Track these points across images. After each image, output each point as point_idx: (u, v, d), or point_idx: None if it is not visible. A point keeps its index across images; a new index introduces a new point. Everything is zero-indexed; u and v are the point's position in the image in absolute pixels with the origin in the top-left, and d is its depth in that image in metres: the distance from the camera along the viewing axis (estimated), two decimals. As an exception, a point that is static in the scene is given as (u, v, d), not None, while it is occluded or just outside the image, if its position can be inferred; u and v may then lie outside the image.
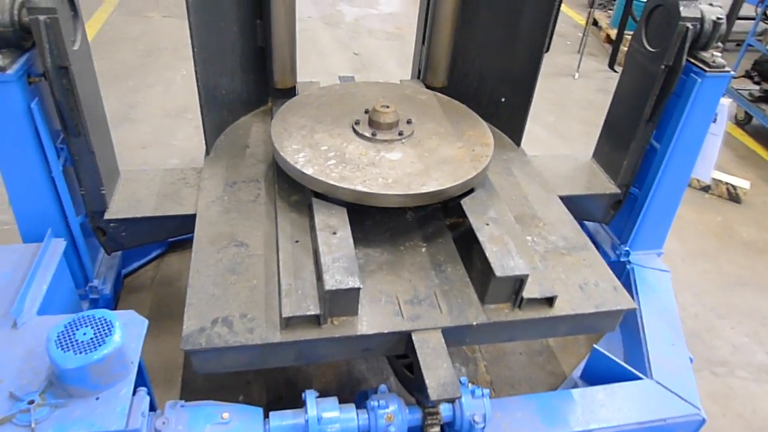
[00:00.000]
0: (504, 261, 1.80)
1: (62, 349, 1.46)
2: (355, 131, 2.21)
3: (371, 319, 1.78)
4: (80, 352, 1.46)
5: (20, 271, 1.83)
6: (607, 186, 2.58)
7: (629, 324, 2.49)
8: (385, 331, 1.75)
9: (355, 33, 5.87)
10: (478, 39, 2.75)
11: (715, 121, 2.45)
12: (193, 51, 2.14)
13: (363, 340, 1.77)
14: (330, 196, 1.98)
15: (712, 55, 2.21)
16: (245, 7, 2.47)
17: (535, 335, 1.99)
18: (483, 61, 2.78)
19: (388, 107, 2.22)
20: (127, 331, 1.61)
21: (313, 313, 1.70)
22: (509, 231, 2.05)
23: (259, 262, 1.93)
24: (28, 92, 1.78)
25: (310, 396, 1.73)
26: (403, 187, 1.96)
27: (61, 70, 1.77)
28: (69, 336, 1.50)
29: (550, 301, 1.86)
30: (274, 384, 2.35)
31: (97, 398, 1.51)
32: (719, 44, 2.26)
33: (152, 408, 1.73)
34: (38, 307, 1.75)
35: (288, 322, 1.71)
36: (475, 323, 1.80)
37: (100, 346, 1.48)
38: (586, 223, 2.98)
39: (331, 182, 1.94)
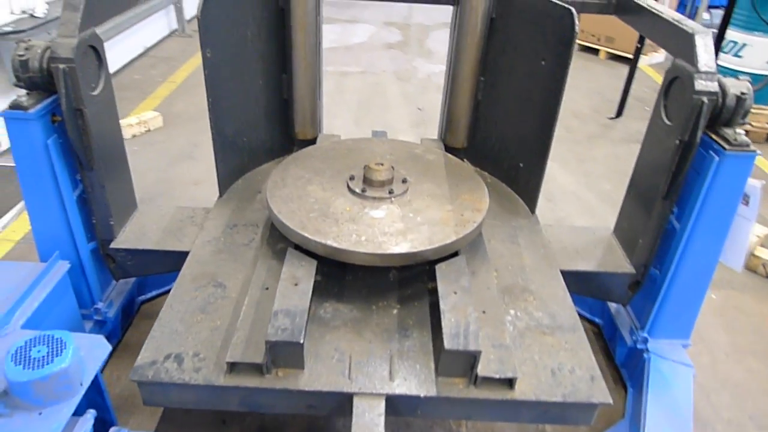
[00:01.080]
0: (457, 333, 1.72)
1: (15, 362, 1.59)
2: (348, 186, 2.24)
3: (316, 376, 1.76)
4: (28, 368, 1.58)
5: (21, 287, 2.02)
6: (622, 264, 2.40)
7: (636, 421, 2.25)
8: (326, 390, 1.72)
9: (424, 88, 6.00)
10: (499, 102, 2.72)
11: (747, 204, 2.22)
12: (208, 101, 2.31)
13: (304, 396, 1.75)
14: (303, 248, 2.02)
15: (735, 132, 2.02)
16: (270, 62, 2.64)
17: (496, 417, 1.85)
18: (504, 124, 2.74)
19: (382, 164, 2.24)
20: (85, 354, 1.73)
21: (255, 361, 1.72)
22: (483, 302, 1.97)
23: (230, 305, 1.99)
24: (47, 130, 2.01)
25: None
26: (374, 246, 1.95)
27: (77, 111, 1.98)
28: (25, 351, 1.62)
29: (510, 383, 1.74)
30: (249, 427, 2.36)
31: (40, 413, 1.61)
32: (744, 121, 2.06)
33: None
34: (24, 322, 1.92)
35: (232, 368, 1.74)
36: (422, 395, 1.72)
37: (47, 364, 1.59)
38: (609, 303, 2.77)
39: (305, 234, 1.98)
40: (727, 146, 2.00)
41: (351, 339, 1.90)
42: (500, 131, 2.78)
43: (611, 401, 1.74)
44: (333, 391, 1.72)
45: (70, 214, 2.16)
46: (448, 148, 2.91)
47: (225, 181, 2.58)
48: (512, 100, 2.64)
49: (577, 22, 2.17)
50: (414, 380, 1.76)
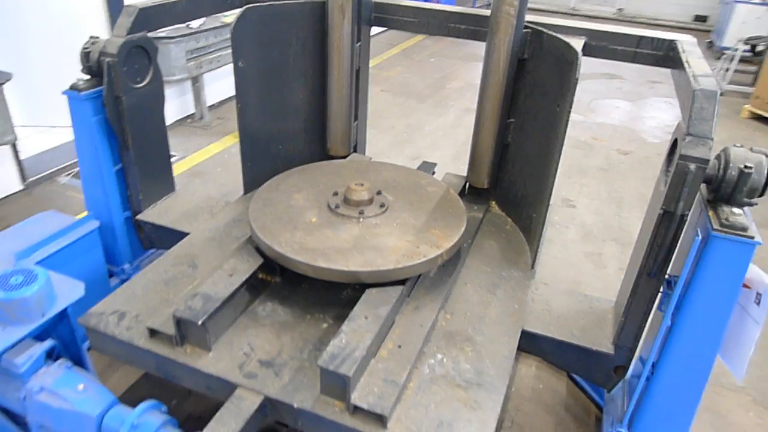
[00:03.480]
0: (337, 355, 1.71)
1: None
2: (327, 201, 2.33)
3: (216, 360, 1.88)
4: (1, 290, 1.96)
5: (51, 232, 2.48)
6: (602, 343, 2.11)
7: None
8: (216, 375, 1.83)
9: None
10: (525, 146, 2.59)
11: (758, 303, 1.82)
12: (237, 107, 2.60)
13: (202, 376, 1.88)
14: (256, 246, 2.16)
15: (731, 211, 1.70)
16: (314, 80, 2.86)
17: None
18: (526, 170, 2.59)
19: (362, 185, 2.29)
20: (59, 292, 2.07)
21: (168, 332, 1.90)
22: (404, 337, 1.92)
23: (191, 283, 2.21)
24: (96, 110, 2.44)
25: (150, 406, 1.91)
26: (311, 257, 2.02)
27: (117, 99, 2.40)
28: (7, 278, 2.01)
29: (382, 420, 1.67)
30: (203, 407, 2.55)
31: (4, 329, 1.98)
32: (751, 201, 1.72)
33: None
34: (43, 259, 2.35)
35: (152, 334, 1.94)
36: (296, 405, 1.74)
37: (14, 290, 1.95)
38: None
39: (258, 233, 2.12)
40: (714, 225, 1.69)
41: (268, 339, 1.98)
42: (523, 178, 2.63)
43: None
44: (222, 378, 1.83)
45: (108, 183, 2.59)
46: (472, 187, 2.83)
47: (251, 181, 2.84)
48: (534, 146, 2.50)
49: (579, 62, 2.02)
50: (298, 391, 1.78)
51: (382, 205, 2.31)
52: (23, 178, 4.35)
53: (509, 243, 2.61)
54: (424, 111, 6.08)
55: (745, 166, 1.68)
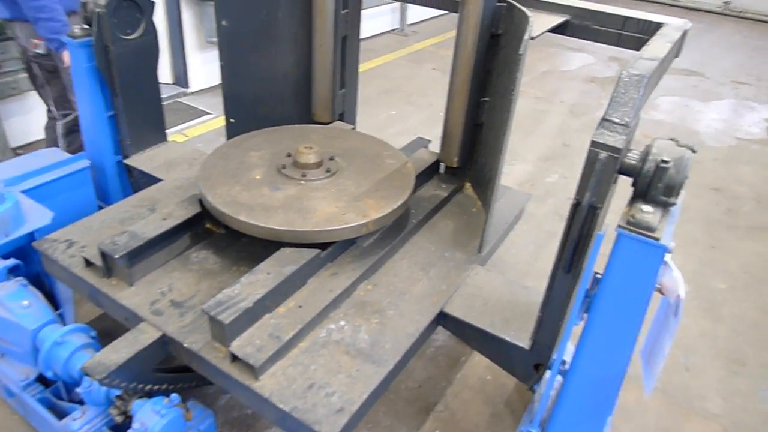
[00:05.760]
0: (222, 302, 1.78)
1: None
2: (278, 162, 2.37)
3: (134, 294, 2.01)
4: None
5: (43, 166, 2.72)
6: (520, 336, 2.01)
7: None
8: (128, 307, 1.96)
9: (589, 127, 5.43)
10: (494, 127, 2.48)
11: (675, 314, 1.67)
12: (221, 65, 2.69)
13: (118, 308, 2.01)
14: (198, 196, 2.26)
15: (640, 209, 1.55)
16: (304, 44, 2.89)
17: (246, 401, 1.80)
18: (494, 152, 2.49)
19: (310, 149, 2.32)
20: (28, 217, 2.29)
21: (97, 263, 2.05)
22: (308, 299, 1.96)
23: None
24: (89, 57, 2.63)
25: (77, 328, 2.08)
26: (234, 209, 2.08)
27: (105, 47, 2.57)
28: None
29: (254, 372, 1.72)
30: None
31: None
32: (670, 199, 1.56)
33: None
34: (30, 188, 2.59)
35: (87, 263, 2.11)
36: (186, 345, 1.83)
37: None
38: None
39: (200, 183, 2.21)
40: (621, 222, 1.56)
41: (188, 283, 2.09)
42: (492, 160, 2.53)
43: (336, 435, 1.59)
44: (132, 311, 1.95)
45: (99, 127, 2.79)
46: (448, 167, 2.76)
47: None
48: (501, 127, 2.39)
49: (527, 35, 1.91)
50: (193, 333, 1.87)
51: (328, 170, 2.33)
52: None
53: (468, 225, 2.54)
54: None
55: (662, 160, 1.53)
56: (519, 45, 2.06)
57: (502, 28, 2.36)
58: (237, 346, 1.76)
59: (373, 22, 7.39)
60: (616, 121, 1.56)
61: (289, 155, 2.40)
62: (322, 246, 2.08)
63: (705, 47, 8.28)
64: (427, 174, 2.72)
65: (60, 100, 3.43)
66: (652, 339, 1.80)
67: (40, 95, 3.48)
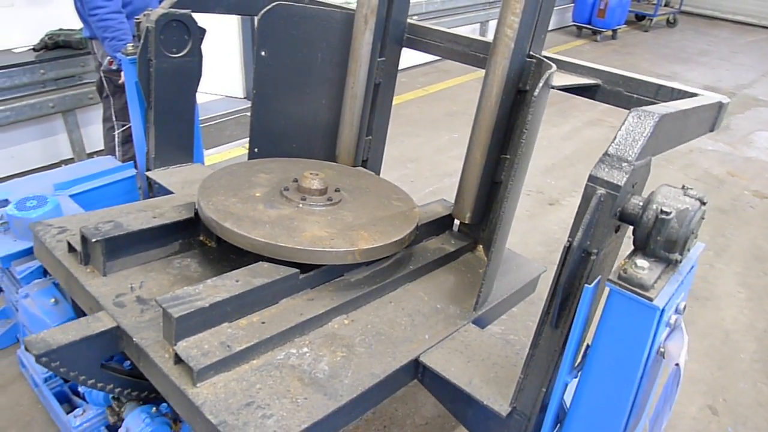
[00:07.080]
0: (180, 297, 1.68)
1: (16, 205, 2.31)
2: (283, 185, 2.33)
3: (103, 285, 1.95)
4: (15, 209, 2.28)
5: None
6: (496, 400, 1.77)
7: None
8: (93, 295, 1.89)
9: (685, 173, 5.08)
10: (517, 186, 2.37)
11: (677, 385, 1.43)
12: (253, 92, 2.77)
13: (85, 295, 1.95)
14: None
15: (634, 263, 1.37)
16: (339, 88, 2.94)
17: (181, 410, 1.63)
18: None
19: (316, 175, 2.27)
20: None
21: (77, 249, 2.02)
22: (274, 318, 1.84)
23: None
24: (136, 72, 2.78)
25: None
26: (221, 216, 2.02)
27: (148, 61, 2.70)
28: (25, 200, 2.34)
29: (192, 377, 1.58)
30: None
31: (14, 240, 2.32)
32: (672, 255, 1.37)
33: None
34: (78, 193, 2.68)
35: (69, 248, 2.08)
36: (135, 340, 1.72)
37: (23, 211, 2.27)
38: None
39: (199, 196, 2.18)
40: (612, 279, 1.38)
41: (161, 284, 2.01)
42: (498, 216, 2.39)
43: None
44: (96, 299, 1.88)
45: (138, 137, 2.90)
46: (463, 224, 2.63)
47: (255, 167, 2.96)
48: (515, 184, 2.28)
49: (549, 74, 1.84)
50: (146, 330, 1.77)
51: (330, 199, 2.26)
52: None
53: (471, 284, 2.36)
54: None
55: (662, 211, 1.36)
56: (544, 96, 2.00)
57: (529, 84, 2.31)
58: (183, 346, 1.63)
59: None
60: (620, 156, 1.42)
61: (295, 180, 2.36)
62: (305, 268, 1.98)
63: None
64: (437, 226, 2.59)
65: (121, 112, 3.69)
66: (659, 407, 1.54)
67: (104, 105, 3.75)
